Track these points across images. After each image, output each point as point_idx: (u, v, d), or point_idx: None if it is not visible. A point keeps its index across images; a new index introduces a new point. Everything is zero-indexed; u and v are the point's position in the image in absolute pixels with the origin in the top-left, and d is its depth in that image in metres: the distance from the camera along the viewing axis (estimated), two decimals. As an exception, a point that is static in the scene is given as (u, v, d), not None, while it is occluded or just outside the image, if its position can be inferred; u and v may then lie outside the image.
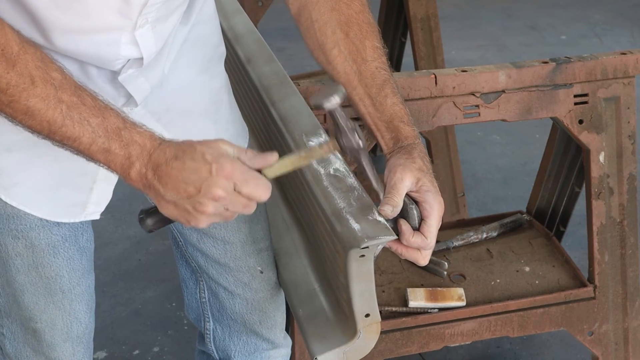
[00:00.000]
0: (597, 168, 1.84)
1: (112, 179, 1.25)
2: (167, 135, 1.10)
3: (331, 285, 1.33)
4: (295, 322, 1.36)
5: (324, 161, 1.26)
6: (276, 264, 1.48)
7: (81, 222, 1.28)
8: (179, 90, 1.29)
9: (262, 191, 1.07)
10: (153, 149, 1.04)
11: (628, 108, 1.83)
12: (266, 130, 1.53)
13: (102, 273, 2.54)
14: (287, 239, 1.47)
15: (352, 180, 1.23)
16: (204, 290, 1.49)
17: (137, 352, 2.31)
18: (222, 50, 1.40)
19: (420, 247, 1.20)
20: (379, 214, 1.15)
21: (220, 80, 1.39)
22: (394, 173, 1.19)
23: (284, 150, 1.41)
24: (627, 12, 5.03)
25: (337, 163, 1.26)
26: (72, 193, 1.24)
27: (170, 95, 1.27)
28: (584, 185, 1.91)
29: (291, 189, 1.44)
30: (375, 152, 3.34)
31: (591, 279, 1.91)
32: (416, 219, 1.18)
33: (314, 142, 1.30)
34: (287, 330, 2.08)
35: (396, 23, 2.90)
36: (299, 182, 1.35)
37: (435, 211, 1.22)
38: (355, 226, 1.14)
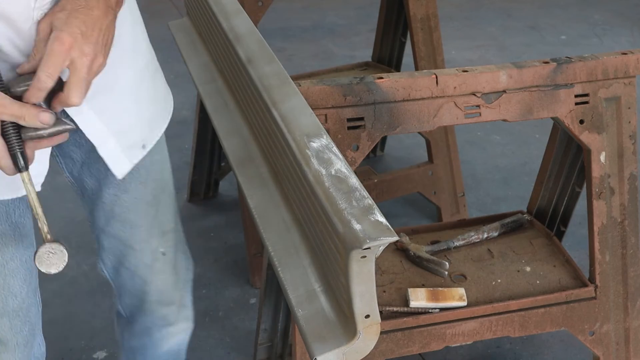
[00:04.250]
0: (598, 168, 1.84)
1: (46, 149, 1.23)
2: (87, 109, 1.13)
3: (331, 286, 1.33)
4: (295, 322, 1.36)
5: (326, 162, 1.26)
6: (276, 264, 1.48)
7: (12, 198, 1.27)
8: None
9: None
10: None
11: (629, 108, 1.83)
12: (267, 131, 1.53)
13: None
14: (287, 239, 1.46)
15: (354, 180, 1.23)
16: (105, 269, 1.53)
17: (137, 352, 2.31)
18: (141, 23, 1.39)
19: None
20: (381, 214, 1.15)
21: (143, 59, 1.38)
22: None
23: (284, 151, 1.41)
24: (627, 12, 5.03)
25: (339, 164, 1.26)
26: None
27: None
28: (585, 185, 1.91)
29: (291, 189, 1.44)
30: (375, 152, 3.34)
31: (592, 279, 1.91)
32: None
33: (315, 143, 1.30)
34: (287, 330, 2.09)
35: (396, 23, 2.90)
36: (299, 182, 1.35)
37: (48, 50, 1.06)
38: (357, 227, 1.13)
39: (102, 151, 1.29)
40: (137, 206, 1.41)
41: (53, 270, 1.16)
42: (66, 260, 1.16)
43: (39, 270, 1.17)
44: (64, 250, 1.16)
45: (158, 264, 1.48)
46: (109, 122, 1.28)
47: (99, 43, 1.10)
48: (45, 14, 1.10)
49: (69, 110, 1.22)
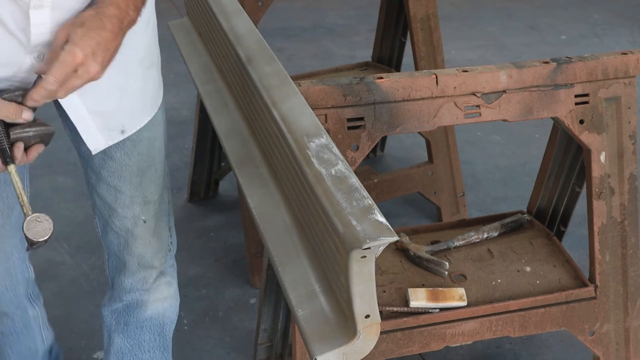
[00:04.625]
0: (598, 168, 1.84)
1: None
2: (75, 94, 1.29)
3: (331, 286, 1.33)
4: (295, 322, 1.36)
5: (326, 162, 1.26)
6: (276, 264, 1.48)
7: None
8: None
9: None
10: None
11: (629, 108, 1.83)
12: (267, 131, 1.53)
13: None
14: (287, 239, 1.46)
15: (354, 180, 1.23)
16: (99, 226, 1.66)
17: (137, 352, 2.31)
18: (146, 21, 1.48)
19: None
20: (381, 214, 1.15)
21: (137, 53, 1.47)
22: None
23: (284, 151, 1.41)
24: (627, 12, 5.03)
25: (339, 164, 1.26)
26: None
27: None
28: (585, 185, 1.91)
29: (291, 189, 1.44)
30: (375, 152, 3.34)
31: (592, 279, 1.91)
32: None
33: (315, 143, 1.30)
34: (287, 330, 2.08)
35: (396, 23, 2.90)
36: (299, 182, 1.35)
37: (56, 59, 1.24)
38: (357, 227, 1.13)
39: (79, 127, 1.45)
40: (121, 173, 1.54)
41: (41, 237, 1.27)
42: (52, 229, 1.28)
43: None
44: (49, 219, 1.28)
45: (138, 229, 1.60)
46: (89, 104, 1.43)
47: (103, 63, 1.27)
48: (65, 24, 1.27)
49: None
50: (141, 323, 1.73)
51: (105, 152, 1.52)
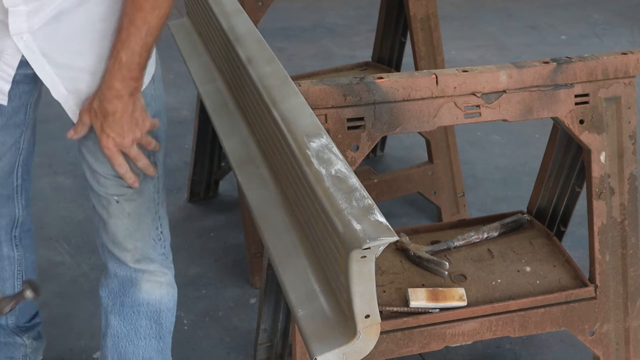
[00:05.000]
0: (598, 168, 1.84)
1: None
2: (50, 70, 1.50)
3: (331, 286, 1.33)
4: (295, 322, 1.36)
5: (326, 162, 1.26)
6: (276, 264, 1.48)
7: None
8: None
9: None
10: None
11: (629, 108, 1.83)
12: (267, 131, 1.53)
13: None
14: (287, 239, 1.47)
15: (354, 180, 1.23)
16: (92, 206, 1.73)
17: (137, 352, 2.31)
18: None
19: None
20: (381, 214, 1.15)
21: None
22: None
23: (284, 151, 1.41)
24: (627, 12, 5.03)
25: (339, 164, 1.26)
26: None
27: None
28: (585, 185, 1.91)
29: (291, 189, 1.44)
30: (375, 152, 3.34)
31: (592, 279, 1.91)
32: None
33: (315, 143, 1.30)
34: (287, 330, 2.08)
35: (396, 23, 2.90)
36: (299, 182, 1.35)
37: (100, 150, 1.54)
38: (357, 227, 1.13)
39: (62, 103, 1.57)
40: (96, 153, 1.58)
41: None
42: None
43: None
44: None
45: (112, 208, 1.64)
46: (67, 85, 1.54)
47: (130, 127, 1.52)
48: (87, 104, 1.51)
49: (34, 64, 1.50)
50: (137, 307, 1.74)
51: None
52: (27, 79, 1.55)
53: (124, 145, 1.52)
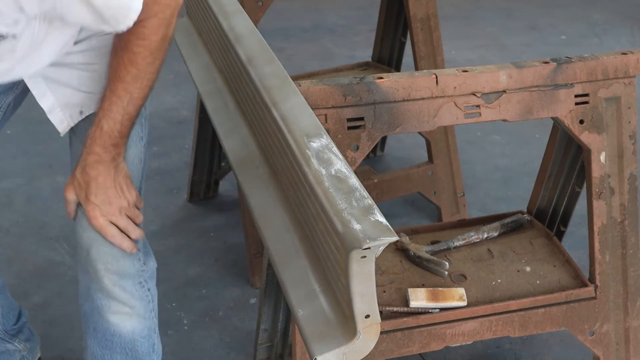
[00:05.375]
0: (598, 168, 1.84)
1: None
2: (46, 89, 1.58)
3: (331, 286, 1.33)
4: (295, 322, 1.36)
5: (326, 162, 1.26)
6: (276, 264, 1.48)
7: None
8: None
9: None
10: None
11: (629, 108, 1.83)
12: (267, 131, 1.53)
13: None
14: (287, 239, 1.47)
15: (354, 180, 1.23)
16: None
17: (137, 352, 2.31)
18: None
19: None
20: (381, 214, 1.15)
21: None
22: None
23: (284, 151, 1.41)
24: (627, 12, 5.03)
25: (339, 164, 1.26)
26: None
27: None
28: (585, 185, 1.91)
29: (291, 189, 1.44)
30: (375, 152, 3.34)
31: (592, 279, 1.91)
32: None
33: (315, 143, 1.30)
34: (287, 330, 2.08)
35: (396, 23, 2.90)
36: (299, 183, 1.35)
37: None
38: (357, 227, 1.14)
39: (52, 117, 1.61)
40: (73, 161, 1.59)
41: None
42: None
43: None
44: None
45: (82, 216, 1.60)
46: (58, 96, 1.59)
47: (114, 193, 1.53)
48: (68, 185, 1.53)
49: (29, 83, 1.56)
50: (110, 336, 1.66)
51: (73, 136, 1.64)
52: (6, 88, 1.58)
53: (111, 213, 1.51)
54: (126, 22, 1.35)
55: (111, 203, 1.51)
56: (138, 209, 1.58)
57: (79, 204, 1.55)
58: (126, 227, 1.54)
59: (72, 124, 1.63)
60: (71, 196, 1.54)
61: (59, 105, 1.60)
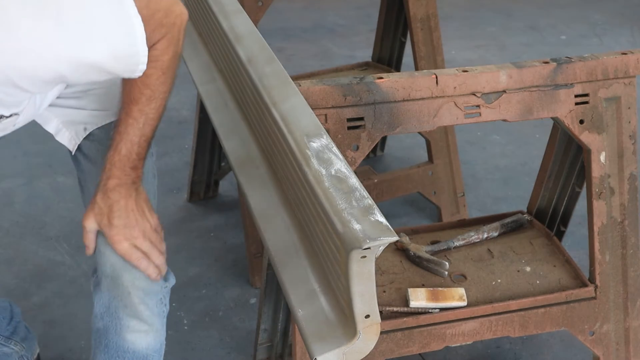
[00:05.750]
0: (598, 168, 1.84)
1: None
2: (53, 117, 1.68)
3: (331, 286, 1.33)
4: (295, 322, 1.36)
5: (326, 162, 1.26)
6: (276, 264, 1.48)
7: None
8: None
9: None
10: None
11: (629, 108, 1.83)
12: (267, 131, 1.53)
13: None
14: (287, 239, 1.47)
15: (353, 181, 1.23)
16: None
17: (137, 352, 2.31)
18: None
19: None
20: (381, 214, 1.15)
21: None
22: None
23: (284, 151, 1.41)
24: (627, 12, 5.03)
25: (339, 164, 1.26)
26: None
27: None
28: (585, 185, 1.91)
29: (291, 189, 1.44)
30: (375, 152, 3.34)
31: (592, 279, 1.91)
32: None
33: (315, 143, 1.30)
34: (287, 330, 2.08)
35: (396, 23, 2.90)
36: (299, 182, 1.35)
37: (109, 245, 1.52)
38: (357, 227, 1.13)
39: (59, 137, 1.68)
40: (87, 175, 1.65)
41: None
42: None
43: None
44: None
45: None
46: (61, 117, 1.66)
47: (137, 219, 1.52)
48: (88, 213, 1.54)
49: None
50: (122, 353, 1.63)
51: (79, 153, 1.67)
52: None
53: (134, 236, 1.50)
54: (139, 67, 1.36)
55: (134, 226, 1.50)
56: (158, 233, 1.57)
57: (98, 233, 1.54)
58: (149, 251, 1.52)
59: (78, 141, 1.65)
60: (91, 224, 1.53)
61: (64, 125, 1.63)
